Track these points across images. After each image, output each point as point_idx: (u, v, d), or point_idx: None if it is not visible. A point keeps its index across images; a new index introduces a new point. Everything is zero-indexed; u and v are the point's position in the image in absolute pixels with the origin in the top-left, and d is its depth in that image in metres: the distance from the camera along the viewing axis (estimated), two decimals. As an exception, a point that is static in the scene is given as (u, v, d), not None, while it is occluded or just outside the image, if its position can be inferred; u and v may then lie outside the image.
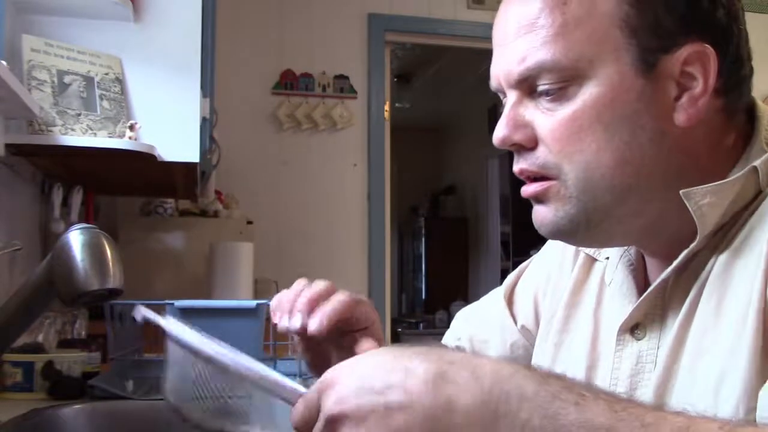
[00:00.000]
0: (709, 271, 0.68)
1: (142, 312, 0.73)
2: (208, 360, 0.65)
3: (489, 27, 0.75)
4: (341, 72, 3.84)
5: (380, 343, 0.74)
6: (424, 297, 7.22)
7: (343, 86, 3.84)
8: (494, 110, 6.42)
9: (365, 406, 0.53)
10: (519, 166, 0.73)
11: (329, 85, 3.82)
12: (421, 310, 7.22)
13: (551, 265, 0.93)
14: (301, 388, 0.61)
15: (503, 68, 0.72)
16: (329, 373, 0.56)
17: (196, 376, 0.66)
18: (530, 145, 0.72)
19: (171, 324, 0.69)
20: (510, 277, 1.01)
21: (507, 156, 6.22)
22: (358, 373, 0.55)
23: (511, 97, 0.73)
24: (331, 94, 3.82)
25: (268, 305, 1.46)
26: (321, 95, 3.81)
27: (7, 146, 1.58)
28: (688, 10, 0.68)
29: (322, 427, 0.55)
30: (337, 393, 0.54)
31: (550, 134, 0.70)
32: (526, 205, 0.76)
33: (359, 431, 0.52)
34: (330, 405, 0.54)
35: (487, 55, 0.75)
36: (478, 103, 6.56)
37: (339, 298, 0.76)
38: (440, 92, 6.66)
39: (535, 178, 0.73)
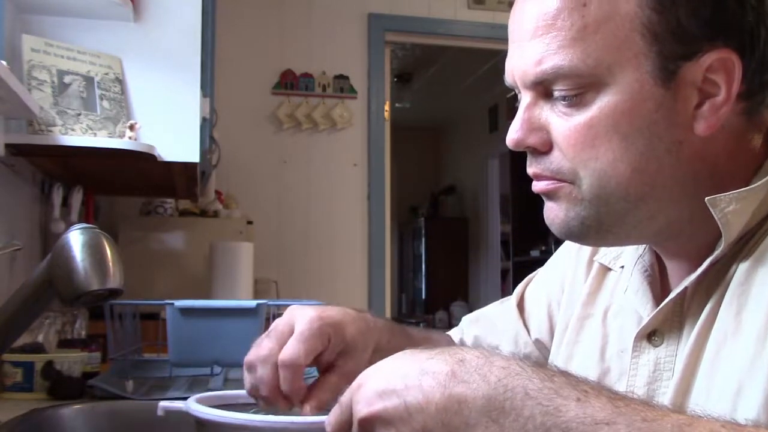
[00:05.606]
0: (731, 279, 0.66)
1: (164, 406, 0.77)
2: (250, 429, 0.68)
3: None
4: (341, 72, 3.84)
5: (355, 355, 0.79)
6: (424, 297, 7.22)
7: (343, 86, 3.84)
8: (494, 110, 6.43)
9: (390, 408, 0.56)
10: (533, 169, 0.72)
11: (329, 85, 3.82)
12: (421, 310, 7.22)
13: (565, 274, 0.91)
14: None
15: (519, 67, 0.70)
16: (359, 378, 0.60)
17: None
18: (544, 149, 0.70)
19: (197, 407, 0.71)
20: (520, 286, 1.00)
21: (507, 156, 6.21)
22: (382, 376, 0.58)
23: (525, 98, 0.71)
24: (331, 94, 3.82)
25: (268, 305, 1.46)
26: (321, 95, 3.81)
27: (7, 146, 1.58)
28: (714, 15, 0.65)
29: (357, 428, 0.58)
30: (365, 396, 0.58)
31: (565, 140, 0.68)
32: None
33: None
34: (360, 408, 0.58)
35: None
36: (478, 103, 6.57)
37: (297, 363, 0.74)
38: (440, 92, 6.66)
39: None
